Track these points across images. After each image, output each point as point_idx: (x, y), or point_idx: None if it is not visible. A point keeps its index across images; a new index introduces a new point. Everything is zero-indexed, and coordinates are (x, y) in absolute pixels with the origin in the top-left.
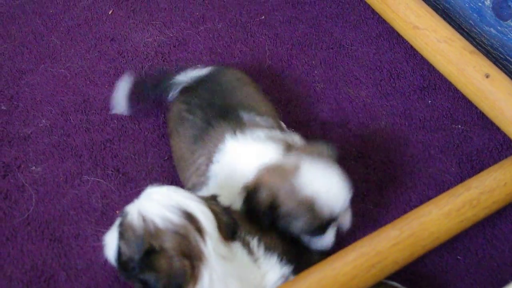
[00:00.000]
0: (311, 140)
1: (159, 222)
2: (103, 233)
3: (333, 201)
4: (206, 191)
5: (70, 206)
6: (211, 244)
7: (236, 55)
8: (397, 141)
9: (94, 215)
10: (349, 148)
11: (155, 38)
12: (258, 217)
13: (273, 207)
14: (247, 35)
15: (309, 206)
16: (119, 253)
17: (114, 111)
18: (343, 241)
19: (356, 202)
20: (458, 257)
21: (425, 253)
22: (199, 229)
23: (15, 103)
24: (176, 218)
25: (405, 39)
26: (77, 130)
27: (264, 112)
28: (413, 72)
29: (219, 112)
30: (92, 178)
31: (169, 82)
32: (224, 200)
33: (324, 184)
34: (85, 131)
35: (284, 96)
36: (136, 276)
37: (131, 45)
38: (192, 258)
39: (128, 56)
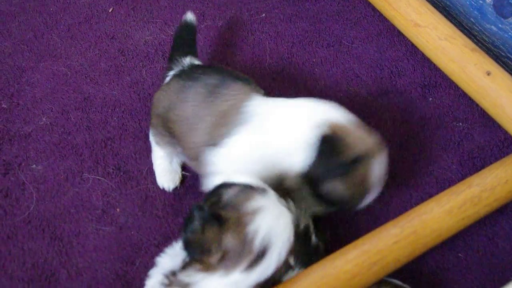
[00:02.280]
0: None
1: None
2: (104, 231)
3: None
4: (240, 130)
5: (71, 204)
6: None
7: (237, 53)
8: (398, 138)
9: (95, 213)
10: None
11: (155, 36)
12: (330, 169)
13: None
14: (247, 33)
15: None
16: None
17: None
18: (344, 238)
19: None
20: (459, 254)
21: (427, 250)
22: None
23: (16, 101)
24: None
25: (406, 37)
26: (78, 128)
27: None
28: (414, 70)
29: (233, 76)
30: (92, 176)
31: (181, 56)
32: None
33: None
34: (86, 129)
35: (284, 94)
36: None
37: (132, 43)
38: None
39: (129, 54)
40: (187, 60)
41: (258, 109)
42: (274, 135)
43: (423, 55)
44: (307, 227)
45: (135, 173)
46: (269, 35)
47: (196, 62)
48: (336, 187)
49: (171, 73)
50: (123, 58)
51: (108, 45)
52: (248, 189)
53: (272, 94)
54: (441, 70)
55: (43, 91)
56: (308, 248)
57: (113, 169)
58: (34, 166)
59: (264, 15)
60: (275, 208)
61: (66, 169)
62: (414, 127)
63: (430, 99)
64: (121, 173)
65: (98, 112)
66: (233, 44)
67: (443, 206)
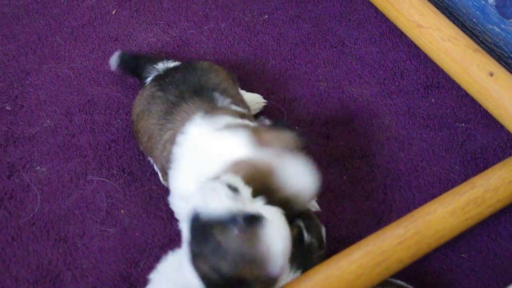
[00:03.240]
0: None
1: None
2: (108, 232)
3: (305, 195)
4: (172, 175)
5: (75, 205)
6: None
7: (239, 55)
8: (401, 139)
9: (99, 214)
10: (353, 147)
11: (158, 38)
12: None
13: None
14: (250, 34)
15: (284, 204)
16: None
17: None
18: (348, 239)
19: (361, 200)
20: (463, 255)
21: (430, 251)
22: None
23: (20, 103)
24: None
25: (408, 38)
26: (82, 130)
27: (240, 101)
28: (417, 71)
29: (193, 89)
30: (97, 178)
31: (154, 63)
32: (186, 186)
33: (298, 181)
34: (90, 131)
35: (287, 95)
36: None
37: (135, 45)
38: None
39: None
40: (160, 65)
41: (179, 151)
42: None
43: (425, 56)
44: (299, 228)
45: (139, 174)
46: (272, 36)
47: (171, 64)
48: None
49: (148, 79)
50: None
51: (112, 47)
52: (248, 226)
53: (275, 96)
54: (443, 71)
55: (47, 93)
56: (302, 250)
57: (117, 170)
58: (38, 168)
59: (266, 16)
60: (278, 229)
61: (70, 171)
62: (417, 127)
63: (433, 100)
64: (125, 175)
65: (102, 114)
66: (236, 46)
67: (447, 207)
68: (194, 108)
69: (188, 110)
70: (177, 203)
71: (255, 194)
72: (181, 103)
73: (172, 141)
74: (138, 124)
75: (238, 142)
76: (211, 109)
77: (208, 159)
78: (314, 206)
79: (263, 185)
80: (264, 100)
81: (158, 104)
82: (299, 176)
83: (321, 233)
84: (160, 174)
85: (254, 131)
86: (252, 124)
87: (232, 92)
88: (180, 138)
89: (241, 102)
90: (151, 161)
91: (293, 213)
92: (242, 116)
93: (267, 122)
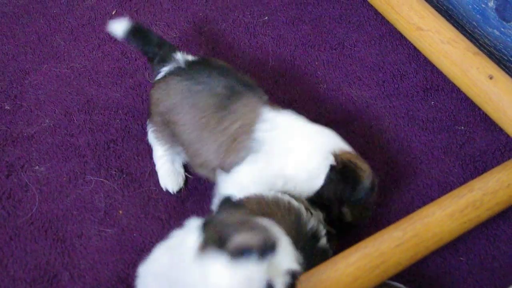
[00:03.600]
0: None
1: None
2: (106, 233)
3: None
4: (252, 159)
5: (74, 205)
6: None
7: (239, 56)
8: (400, 142)
9: (97, 215)
10: (353, 148)
11: None
12: (333, 182)
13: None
14: (250, 35)
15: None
16: None
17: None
18: (346, 242)
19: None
20: (461, 258)
21: (428, 254)
22: None
23: (19, 103)
24: None
25: (408, 40)
26: (81, 130)
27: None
28: (416, 73)
29: (241, 83)
30: (95, 178)
31: (171, 52)
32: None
33: None
34: (89, 131)
35: (287, 97)
36: None
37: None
38: None
39: (132, 57)
40: (179, 56)
41: (268, 136)
42: (284, 165)
43: (425, 58)
44: (315, 228)
45: (137, 175)
46: (272, 38)
47: (189, 57)
48: (347, 212)
49: (165, 69)
50: (126, 61)
51: (111, 48)
52: None
53: (275, 97)
54: (443, 74)
55: (46, 93)
56: (314, 250)
57: (115, 171)
58: (37, 167)
59: (266, 18)
60: None
61: (69, 171)
62: (416, 130)
63: (432, 102)
64: (124, 175)
65: (101, 114)
66: (236, 47)
67: (445, 209)
68: (254, 100)
69: (250, 102)
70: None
71: None
72: (239, 95)
73: (246, 131)
74: (173, 117)
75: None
76: (268, 104)
77: (301, 157)
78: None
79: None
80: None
81: (205, 98)
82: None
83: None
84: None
85: None
86: None
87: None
88: (262, 125)
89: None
90: (177, 149)
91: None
92: None
93: None
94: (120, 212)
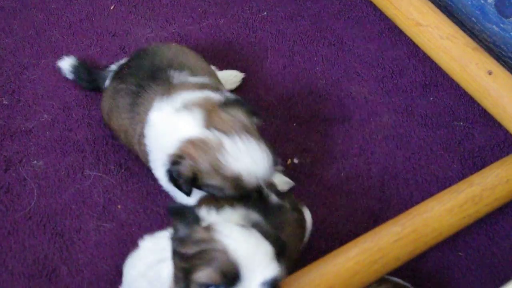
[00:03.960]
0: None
1: None
2: (105, 227)
3: (257, 174)
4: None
5: (72, 200)
6: None
7: (238, 51)
8: (399, 137)
9: (96, 209)
10: (351, 144)
11: (157, 33)
12: (180, 188)
13: (196, 179)
14: (249, 31)
15: (233, 181)
16: None
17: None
18: (344, 236)
19: (358, 198)
20: (460, 253)
21: (427, 249)
22: None
23: (17, 97)
24: None
25: (407, 36)
26: (79, 125)
27: (200, 70)
28: (415, 69)
29: (149, 74)
30: (94, 173)
31: (105, 69)
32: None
33: (248, 160)
34: (87, 126)
35: (285, 92)
36: None
37: (133, 40)
38: None
39: (130, 51)
40: (113, 66)
41: (149, 144)
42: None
43: (424, 54)
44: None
45: (136, 170)
46: (271, 33)
47: (123, 60)
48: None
49: (107, 82)
50: (125, 55)
51: (110, 42)
52: None
53: (273, 93)
54: (442, 70)
55: (44, 87)
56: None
57: (114, 166)
58: (35, 162)
59: (265, 13)
60: None
61: (67, 165)
62: (414, 126)
63: (431, 98)
64: (123, 170)
65: (99, 109)
66: (234, 42)
67: (444, 204)
68: (152, 94)
69: (148, 98)
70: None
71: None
72: (141, 92)
73: (143, 134)
74: (111, 123)
75: (190, 122)
76: (167, 89)
77: (167, 139)
78: (287, 181)
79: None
80: (241, 74)
81: (123, 97)
82: (248, 155)
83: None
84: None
85: (209, 111)
86: (213, 94)
87: (191, 62)
88: (146, 130)
89: (203, 71)
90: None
91: (246, 193)
92: (202, 87)
93: (229, 95)
94: (119, 206)
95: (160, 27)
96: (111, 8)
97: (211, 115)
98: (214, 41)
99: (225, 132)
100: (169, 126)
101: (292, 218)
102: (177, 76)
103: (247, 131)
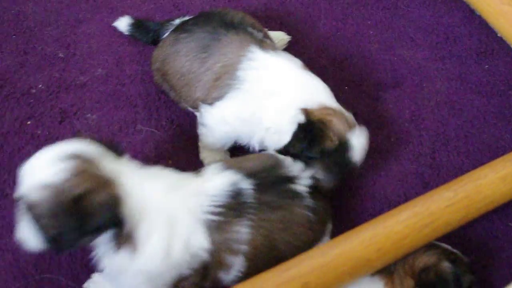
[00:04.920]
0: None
1: (56, 178)
2: None
3: (358, 157)
4: (232, 96)
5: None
6: (109, 165)
7: (291, 13)
8: (451, 104)
9: (147, 163)
10: (402, 109)
11: None
12: (298, 140)
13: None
14: None
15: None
16: (46, 233)
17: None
18: (393, 200)
19: (408, 163)
20: (509, 223)
21: (478, 216)
22: (91, 161)
23: (72, 51)
24: (67, 165)
25: (463, 2)
26: (132, 80)
27: (266, 33)
28: (471, 36)
29: (224, 25)
30: (146, 128)
31: (168, 23)
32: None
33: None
34: (140, 81)
35: (338, 55)
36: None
37: None
38: (105, 186)
39: (183, 9)
40: (177, 21)
41: (251, 75)
42: (261, 108)
43: (480, 21)
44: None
45: (187, 126)
46: None
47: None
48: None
49: (167, 33)
50: (178, 13)
51: (164, 0)
52: None
53: (325, 55)
54: (498, 37)
55: (99, 42)
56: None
57: (166, 121)
58: (89, 115)
59: None
60: None
61: (120, 119)
62: (468, 94)
63: (486, 66)
64: (174, 126)
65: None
66: (288, 4)
67: (498, 172)
68: (239, 39)
69: (234, 41)
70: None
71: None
72: (220, 36)
73: (228, 70)
74: (165, 68)
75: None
76: (259, 42)
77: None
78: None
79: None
80: (288, 36)
81: (188, 43)
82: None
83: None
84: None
85: None
86: None
87: (259, 26)
88: (245, 64)
89: (268, 36)
90: (184, 96)
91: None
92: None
93: None
94: (170, 162)
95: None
96: None
97: None
98: (267, 2)
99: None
100: (291, 81)
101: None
102: (256, 34)
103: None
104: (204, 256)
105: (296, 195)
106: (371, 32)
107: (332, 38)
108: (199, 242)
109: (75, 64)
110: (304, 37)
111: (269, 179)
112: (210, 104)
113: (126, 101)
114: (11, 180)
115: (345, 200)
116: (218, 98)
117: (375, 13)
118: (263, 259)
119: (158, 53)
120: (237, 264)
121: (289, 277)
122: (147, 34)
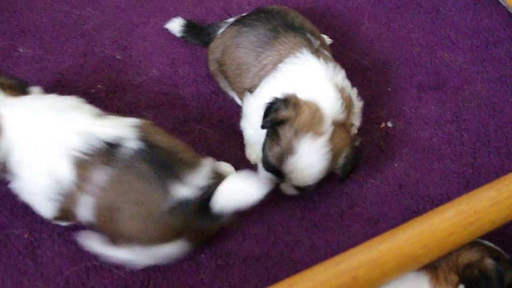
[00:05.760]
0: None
1: None
2: None
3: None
4: (267, 83)
5: None
6: None
7: (335, 16)
8: (492, 106)
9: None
10: (443, 110)
11: None
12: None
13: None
14: None
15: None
16: None
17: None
18: (435, 198)
19: (450, 162)
20: None
21: None
22: None
23: (129, 53)
24: None
25: (503, 6)
26: (185, 81)
27: (323, 42)
28: (511, 40)
29: (285, 25)
30: (198, 127)
31: (221, 22)
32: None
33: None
34: (192, 82)
35: (381, 57)
36: None
37: (236, 3)
38: None
39: (233, 13)
40: (230, 20)
41: (290, 69)
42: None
43: None
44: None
45: (237, 126)
46: (368, 0)
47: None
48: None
49: (220, 30)
50: (228, 17)
51: (214, 4)
52: None
53: (369, 58)
54: None
55: (153, 45)
56: None
57: (217, 121)
58: (145, 113)
59: None
60: None
61: (174, 118)
62: (508, 96)
63: None
64: (225, 126)
65: (204, 67)
66: (332, 8)
67: None
68: (296, 41)
69: (290, 42)
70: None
71: None
72: (279, 35)
73: (275, 62)
74: (224, 58)
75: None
76: (314, 49)
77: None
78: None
79: None
80: (330, 40)
81: (248, 37)
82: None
83: None
84: (237, 97)
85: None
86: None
87: (318, 33)
88: (290, 59)
89: (324, 44)
90: (226, 90)
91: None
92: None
93: None
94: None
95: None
96: None
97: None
98: (313, 5)
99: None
100: (319, 80)
101: None
102: (314, 42)
103: None
104: (67, 185)
105: (164, 184)
106: (413, 36)
107: (375, 42)
108: (62, 172)
109: (132, 66)
110: (348, 39)
111: (157, 155)
112: (251, 92)
113: (179, 101)
114: None
115: (389, 198)
116: (257, 86)
117: (417, 17)
118: (105, 214)
119: (218, 44)
120: (87, 204)
121: (339, 271)
122: (199, 35)
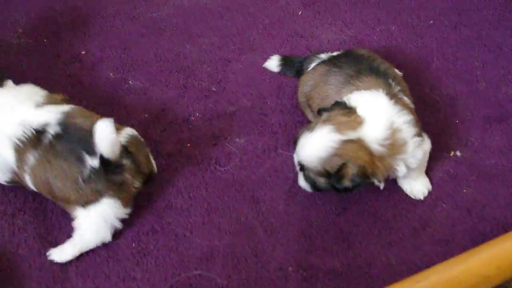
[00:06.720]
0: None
1: None
2: (294, 200)
3: None
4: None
5: (267, 173)
6: None
7: (407, 54)
8: None
9: (286, 183)
10: (509, 141)
11: (337, 36)
12: None
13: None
14: (416, 36)
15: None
16: None
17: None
18: (504, 222)
19: None
20: None
21: None
22: None
23: (223, 86)
24: None
25: None
26: (273, 111)
27: (405, 87)
28: None
29: (369, 68)
30: (285, 152)
31: (314, 56)
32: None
33: None
34: (280, 112)
35: (449, 92)
36: None
37: (317, 42)
38: None
39: (314, 51)
40: (323, 56)
41: (358, 96)
42: None
43: None
44: None
45: None
46: (436, 39)
47: (334, 53)
48: None
49: (312, 64)
50: (310, 54)
51: (298, 43)
52: None
53: (438, 92)
54: None
55: (244, 78)
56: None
57: None
58: (237, 139)
59: (431, 22)
60: None
61: (264, 144)
62: None
63: None
64: None
65: (290, 98)
66: (403, 46)
67: None
68: (376, 82)
69: (369, 82)
70: None
71: None
72: (360, 76)
73: (351, 91)
74: (311, 92)
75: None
76: (392, 94)
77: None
78: None
79: None
80: (400, 73)
81: (336, 76)
82: None
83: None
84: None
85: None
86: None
87: (401, 80)
88: (365, 91)
89: (406, 90)
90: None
91: None
92: (408, 109)
93: None
94: None
95: (340, 31)
96: (299, 13)
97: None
98: (385, 44)
99: None
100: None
101: None
102: (394, 86)
103: None
104: (12, 165)
105: (80, 158)
106: (478, 72)
107: (443, 77)
108: (7, 156)
109: (225, 96)
110: (418, 75)
111: (73, 136)
112: None
113: (268, 129)
114: (176, 192)
115: (458, 221)
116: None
117: (482, 55)
118: (44, 186)
119: (308, 78)
120: (27, 179)
121: None
122: (292, 67)
